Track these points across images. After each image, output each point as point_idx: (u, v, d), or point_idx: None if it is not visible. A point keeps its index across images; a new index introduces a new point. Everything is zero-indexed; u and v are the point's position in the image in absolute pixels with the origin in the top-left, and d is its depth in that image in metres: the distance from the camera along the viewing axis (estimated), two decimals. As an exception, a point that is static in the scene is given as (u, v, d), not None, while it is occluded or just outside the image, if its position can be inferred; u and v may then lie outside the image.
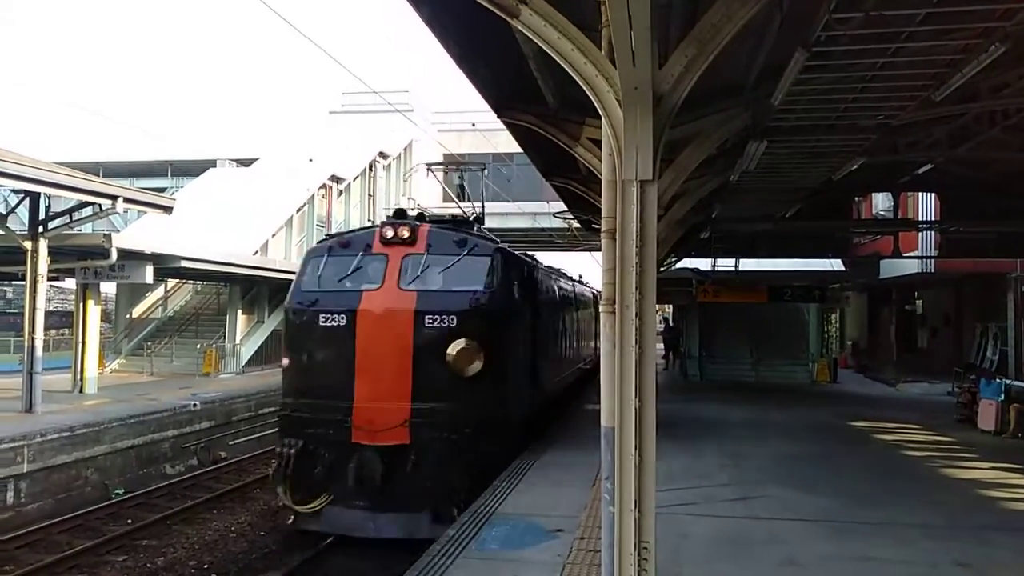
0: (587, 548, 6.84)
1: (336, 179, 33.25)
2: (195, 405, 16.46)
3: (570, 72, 4.69)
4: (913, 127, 10.32)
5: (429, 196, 32.16)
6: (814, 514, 8.35)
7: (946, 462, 11.65)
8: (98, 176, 22.24)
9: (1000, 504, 9.11)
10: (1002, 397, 14.39)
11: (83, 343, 18.55)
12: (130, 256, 17.24)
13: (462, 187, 40.81)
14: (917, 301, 30.11)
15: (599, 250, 5.28)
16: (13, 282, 36.02)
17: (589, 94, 4.67)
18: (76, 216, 16.04)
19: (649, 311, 4.64)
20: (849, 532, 7.72)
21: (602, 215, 5.06)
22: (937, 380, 22.65)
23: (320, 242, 12.29)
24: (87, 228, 21.66)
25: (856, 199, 20.50)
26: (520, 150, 12.59)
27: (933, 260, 22.71)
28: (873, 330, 34.72)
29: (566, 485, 9.50)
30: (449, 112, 38.44)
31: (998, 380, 15.23)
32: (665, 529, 6.07)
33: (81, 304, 18.93)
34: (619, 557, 4.60)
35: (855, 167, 11.06)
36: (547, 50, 4.72)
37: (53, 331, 30.45)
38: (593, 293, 23.96)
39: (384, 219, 12.60)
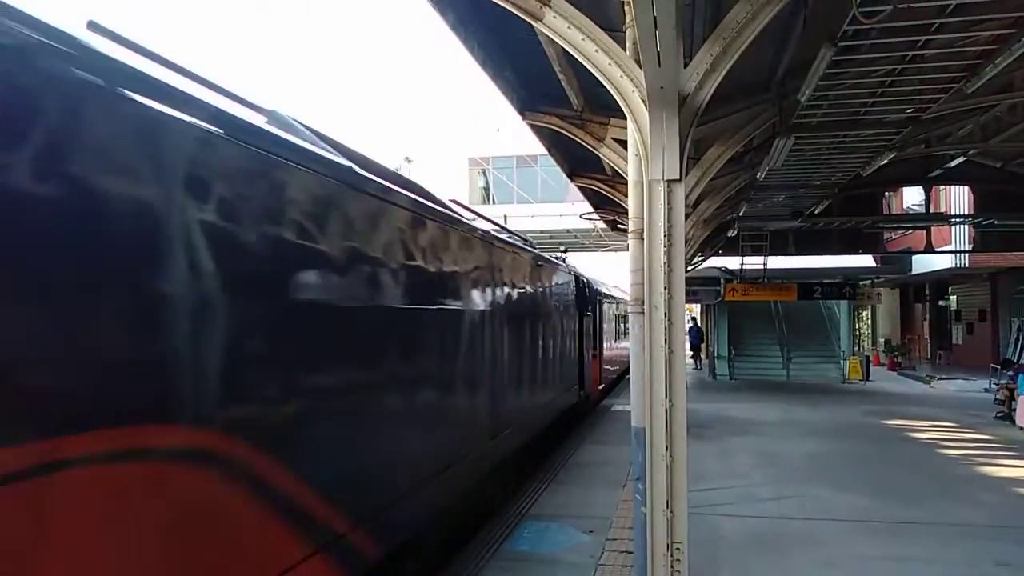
0: (619, 549, 6.83)
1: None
2: None
3: (595, 73, 4.71)
4: (944, 120, 10.16)
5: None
6: (850, 514, 8.25)
7: (984, 460, 11.43)
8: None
9: (1041, 502, 8.92)
10: (1041, 393, 14.10)
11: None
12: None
13: (486, 189, 41.04)
14: (951, 296, 29.59)
15: (625, 250, 5.27)
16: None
17: (614, 95, 4.68)
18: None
19: (678, 311, 4.63)
20: (886, 532, 7.62)
21: (629, 216, 5.07)
22: (973, 376, 22.25)
23: None
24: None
25: (886, 194, 20.20)
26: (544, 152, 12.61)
27: (967, 255, 22.32)
28: (906, 326, 34.19)
29: (597, 485, 9.48)
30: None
31: (1037, 376, 14.91)
32: (698, 530, 6.03)
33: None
34: (651, 558, 4.60)
35: (885, 162, 10.92)
36: (571, 52, 4.74)
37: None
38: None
39: None
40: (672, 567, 4.55)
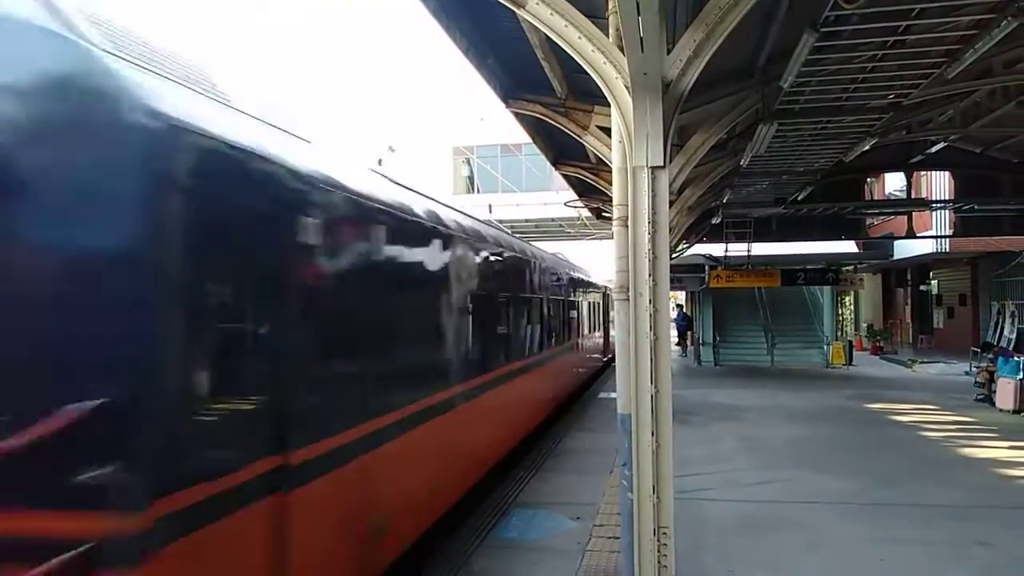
0: (606, 535, 6.87)
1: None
2: None
3: (578, 60, 4.69)
4: (925, 105, 10.22)
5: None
6: (834, 496, 8.35)
7: (965, 442, 11.58)
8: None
9: (1020, 483, 9.06)
10: (1020, 375, 14.29)
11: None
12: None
13: (471, 178, 40.91)
14: (932, 281, 29.89)
15: (610, 238, 5.28)
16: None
17: (598, 82, 4.67)
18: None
19: (663, 298, 4.65)
20: (869, 513, 7.71)
21: (614, 203, 5.06)
22: (954, 360, 22.52)
23: None
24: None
25: (868, 180, 20.33)
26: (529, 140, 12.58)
27: (947, 239, 22.54)
28: (888, 311, 34.53)
29: (583, 472, 9.53)
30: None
31: (1016, 358, 15.11)
32: (684, 514, 6.07)
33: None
34: (638, 543, 4.63)
35: (867, 148, 10.98)
36: (554, 38, 4.72)
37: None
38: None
39: None
40: (659, 551, 4.58)
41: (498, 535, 7.10)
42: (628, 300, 4.71)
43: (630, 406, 4.69)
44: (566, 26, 4.56)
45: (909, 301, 32.29)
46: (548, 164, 14.39)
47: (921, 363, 23.39)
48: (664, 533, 4.59)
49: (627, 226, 4.70)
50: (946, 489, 8.65)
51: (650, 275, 4.57)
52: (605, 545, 6.63)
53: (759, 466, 9.92)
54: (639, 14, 3.85)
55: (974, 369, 18.21)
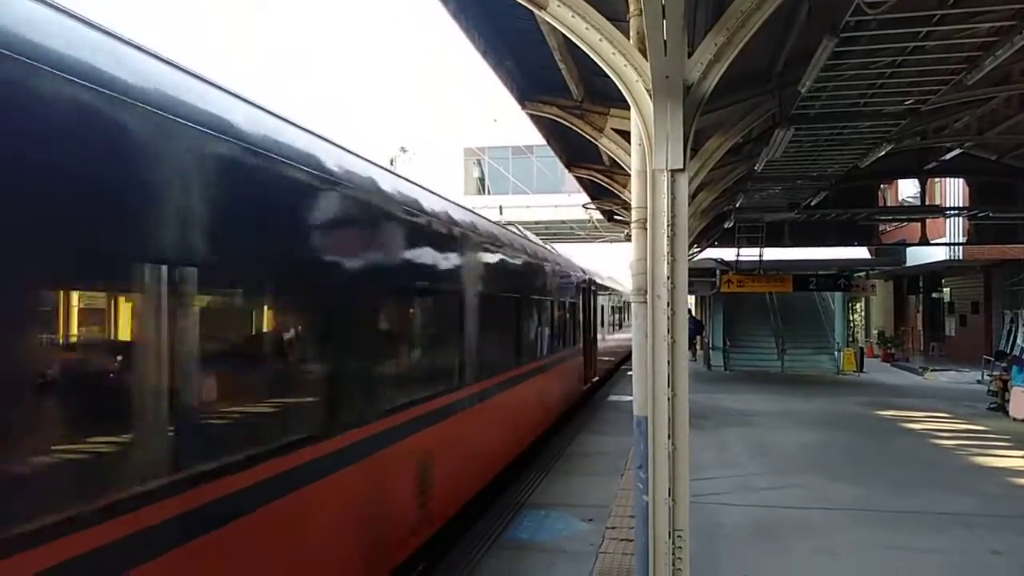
0: (619, 537, 6.87)
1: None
2: None
3: (598, 63, 4.69)
4: (941, 112, 10.18)
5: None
6: (846, 503, 8.31)
7: (978, 451, 11.51)
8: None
9: (1035, 492, 9.01)
10: (1034, 384, 14.20)
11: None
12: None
13: (482, 179, 40.97)
14: (944, 288, 29.73)
15: (620, 241, 5.30)
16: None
17: (618, 84, 4.67)
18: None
19: (681, 301, 4.64)
20: (882, 520, 7.68)
21: (632, 205, 5.07)
22: (966, 368, 22.39)
23: None
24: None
25: (882, 186, 20.27)
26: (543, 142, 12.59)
27: (961, 247, 22.42)
28: (900, 318, 34.34)
29: (593, 474, 9.53)
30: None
31: (1030, 367, 15.01)
32: (697, 518, 6.06)
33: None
34: (653, 545, 4.62)
35: (882, 154, 10.94)
36: (575, 41, 4.72)
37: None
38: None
39: None
40: (674, 554, 4.58)
41: (509, 536, 7.10)
42: (646, 303, 4.72)
43: (647, 408, 4.69)
44: (587, 28, 4.57)
45: (921, 308, 32.12)
46: (560, 166, 14.40)
47: (933, 371, 23.27)
48: (679, 536, 4.59)
49: (645, 228, 4.71)
50: (960, 497, 8.61)
51: (668, 278, 4.57)
52: (618, 547, 6.63)
53: (771, 471, 9.89)
54: (664, 17, 3.86)
55: (987, 378, 18.09)
